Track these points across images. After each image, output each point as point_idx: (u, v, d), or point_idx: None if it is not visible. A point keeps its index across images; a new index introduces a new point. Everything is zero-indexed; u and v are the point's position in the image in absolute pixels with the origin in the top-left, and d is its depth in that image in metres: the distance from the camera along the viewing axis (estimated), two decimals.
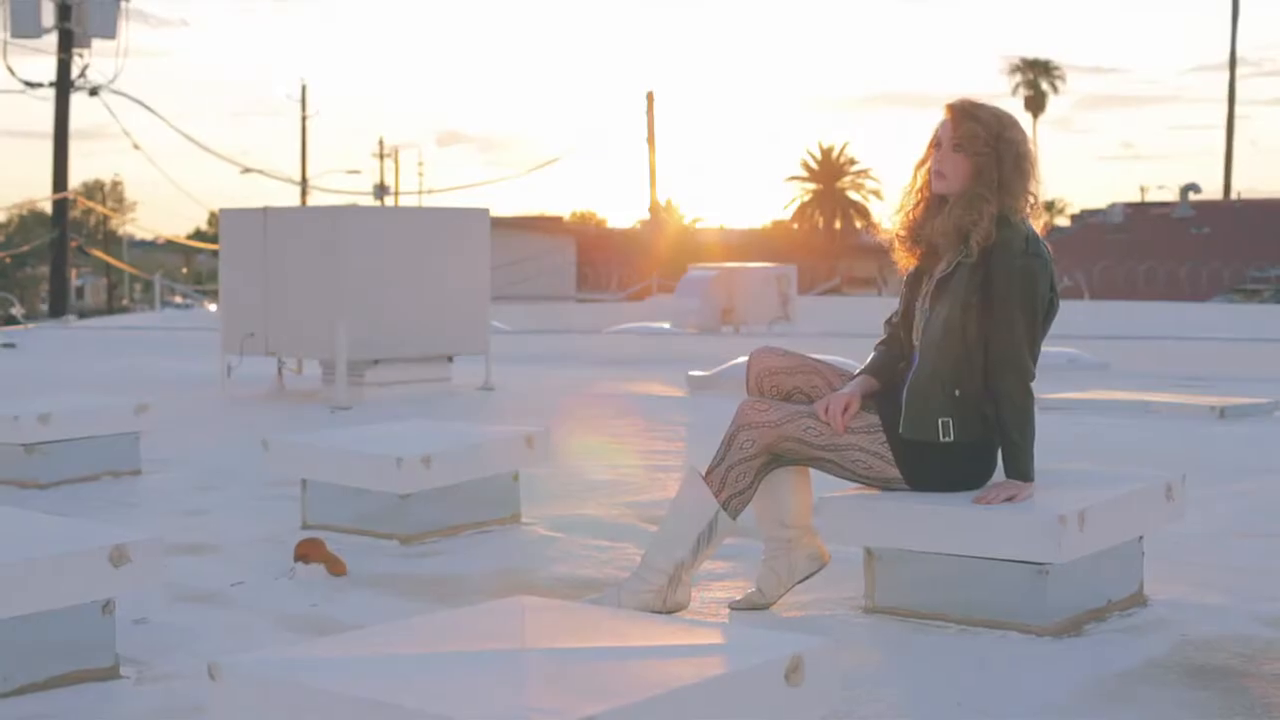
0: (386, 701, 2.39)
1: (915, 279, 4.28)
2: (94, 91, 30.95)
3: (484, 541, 5.42)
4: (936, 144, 4.19)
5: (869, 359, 4.32)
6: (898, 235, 4.30)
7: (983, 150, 4.12)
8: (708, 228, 72.62)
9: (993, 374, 4.08)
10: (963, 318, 4.08)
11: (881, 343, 4.33)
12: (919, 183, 4.27)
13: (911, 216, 4.27)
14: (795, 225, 72.66)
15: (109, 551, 3.66)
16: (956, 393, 4.08)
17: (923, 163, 4.26)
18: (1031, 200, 4.17)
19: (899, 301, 4.33)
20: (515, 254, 42.16)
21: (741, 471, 4.15)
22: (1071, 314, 20.63)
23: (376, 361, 10.44)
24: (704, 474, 4.18)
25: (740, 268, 24.35)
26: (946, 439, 4.08)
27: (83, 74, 30.96)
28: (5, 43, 29.58)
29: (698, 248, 54.73)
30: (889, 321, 4.36)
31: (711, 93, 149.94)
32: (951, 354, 4.09)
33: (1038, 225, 4.18)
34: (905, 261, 4.31)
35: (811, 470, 4.29)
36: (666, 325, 22.20)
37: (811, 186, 73.81)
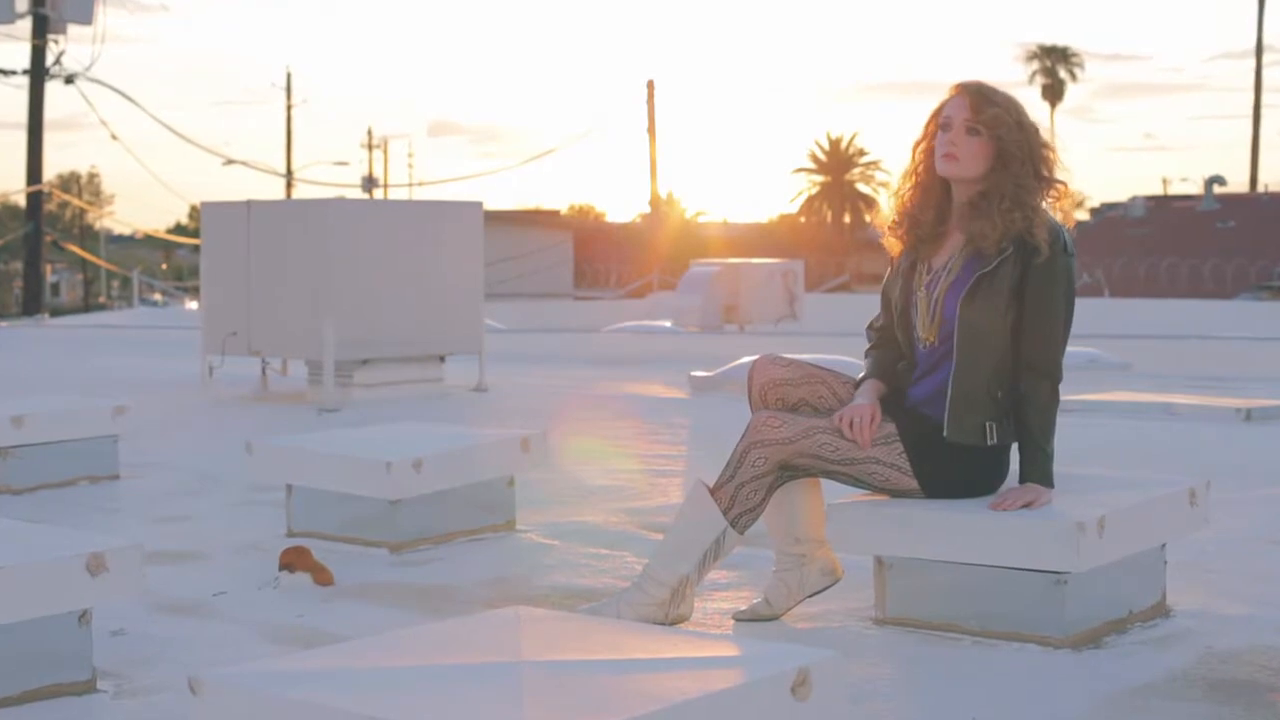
0: (376, 716, 2.35)
1: (910, 270, 4.13)
2: (70, 79, 30.88)
3: (477, 549, 5.34)
4: (945, 124, 4.02)
5: (869, 364, 4.18)
6: (891, 222, 4.16)
7: (1015, 136, 3.97)
8: (710, 221, 72.86)
9: (1025, 374, 3.97)
10: (1004, 317, 3.96)
11: (873, 347, 4.19)
12: (915, 163, 4.11)
13: (906, 200, 4.12)
14: (802, 219, 72.72)
15: (86, 559, 3.59)
16: (999, 394, 3.98)
17: (920, 142, 4.11)
18: (1060, 188, 4.03)
19: (895, 297, 4.16)
20: (510, 249, 42.20)
21: (753, 489, 4.00)
22: (1091, 312, 20.71)
23: (365, 361, 10.33)
24: (711, 489, 4.03)
25: (744, 263, 24.37)
26: (991, 442, 3.98)
27: (58, 61, 30.89)
28: None
29: (700, 242, 54.82)
30: (871, 327, 4.23)
31: (715, 81, 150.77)
32: (995, 354, 3.97)
33: (1059, 214, 4.05)
34: (896, 249, 4.16)
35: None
36: (667, 324, 22.20)
37: (819, 179, 73.86)
